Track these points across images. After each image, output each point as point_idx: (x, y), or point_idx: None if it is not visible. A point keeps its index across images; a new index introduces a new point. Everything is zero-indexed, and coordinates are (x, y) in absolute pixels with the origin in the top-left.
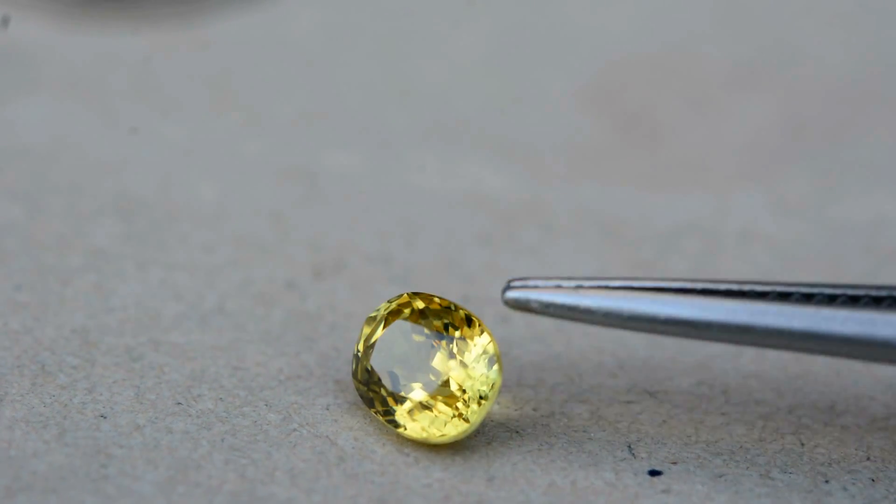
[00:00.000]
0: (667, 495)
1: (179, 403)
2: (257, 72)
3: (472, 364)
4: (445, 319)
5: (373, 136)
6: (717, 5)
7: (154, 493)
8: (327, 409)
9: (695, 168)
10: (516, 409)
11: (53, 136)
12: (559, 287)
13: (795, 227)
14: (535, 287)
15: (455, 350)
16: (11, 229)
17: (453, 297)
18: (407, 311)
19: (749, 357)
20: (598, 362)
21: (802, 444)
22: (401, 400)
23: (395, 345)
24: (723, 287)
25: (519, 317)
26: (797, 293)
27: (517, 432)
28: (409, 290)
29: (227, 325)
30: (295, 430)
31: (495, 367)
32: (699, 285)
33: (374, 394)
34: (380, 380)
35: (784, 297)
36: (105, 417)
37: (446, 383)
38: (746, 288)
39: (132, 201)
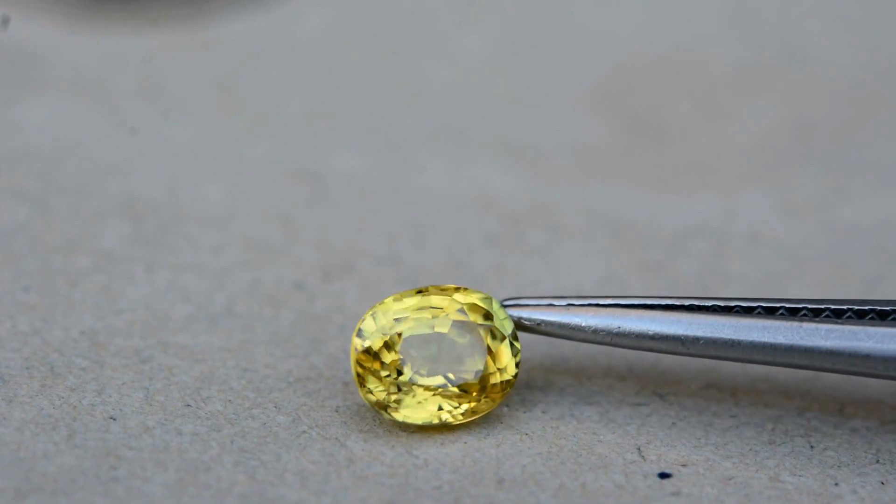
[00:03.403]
0: (676, 498)
1: (189, 405)
2: (264, 73)
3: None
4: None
5: (380, 137)
6: (724, 6)
7: (164, 495)
8: (336, 411)
9: (702, 169)
10: (525, 412)
11: (60, 138)
12: (551, 305)
13: (803, 228)
14: (527, 305)
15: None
16: (19, 231)
17: None
18: (449, 305)
19: None
20: (607, 365)
21: (812, 447)
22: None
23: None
24: (709, 303)
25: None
26: (782, 308)
27: (527, 434)
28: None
29: (236, 327)
30: (304, 431)
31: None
32: (686, 302)
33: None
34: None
35: (769, 312)
36: (114, 419)
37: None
38: (732, 304)
39: (140, 203)
